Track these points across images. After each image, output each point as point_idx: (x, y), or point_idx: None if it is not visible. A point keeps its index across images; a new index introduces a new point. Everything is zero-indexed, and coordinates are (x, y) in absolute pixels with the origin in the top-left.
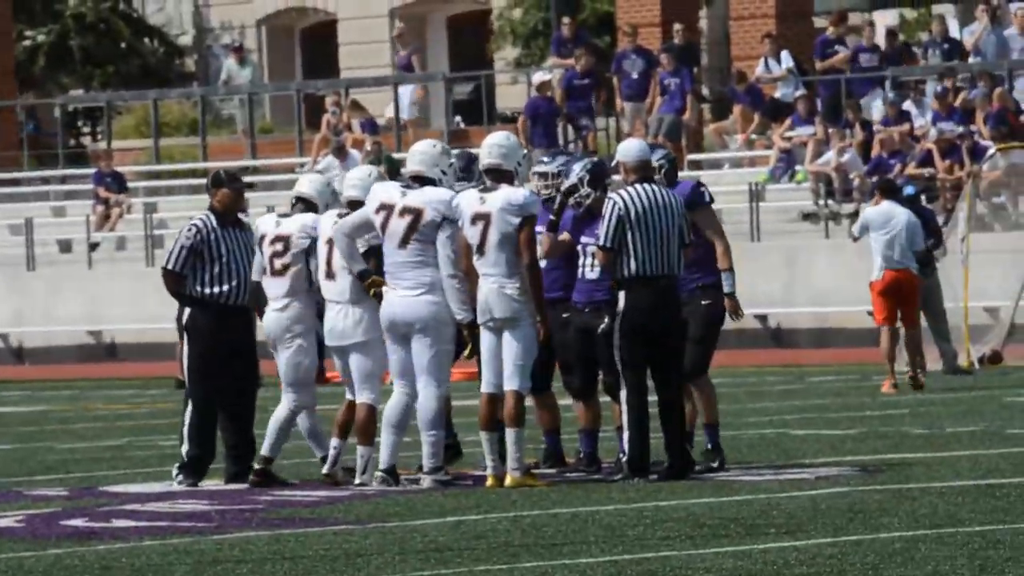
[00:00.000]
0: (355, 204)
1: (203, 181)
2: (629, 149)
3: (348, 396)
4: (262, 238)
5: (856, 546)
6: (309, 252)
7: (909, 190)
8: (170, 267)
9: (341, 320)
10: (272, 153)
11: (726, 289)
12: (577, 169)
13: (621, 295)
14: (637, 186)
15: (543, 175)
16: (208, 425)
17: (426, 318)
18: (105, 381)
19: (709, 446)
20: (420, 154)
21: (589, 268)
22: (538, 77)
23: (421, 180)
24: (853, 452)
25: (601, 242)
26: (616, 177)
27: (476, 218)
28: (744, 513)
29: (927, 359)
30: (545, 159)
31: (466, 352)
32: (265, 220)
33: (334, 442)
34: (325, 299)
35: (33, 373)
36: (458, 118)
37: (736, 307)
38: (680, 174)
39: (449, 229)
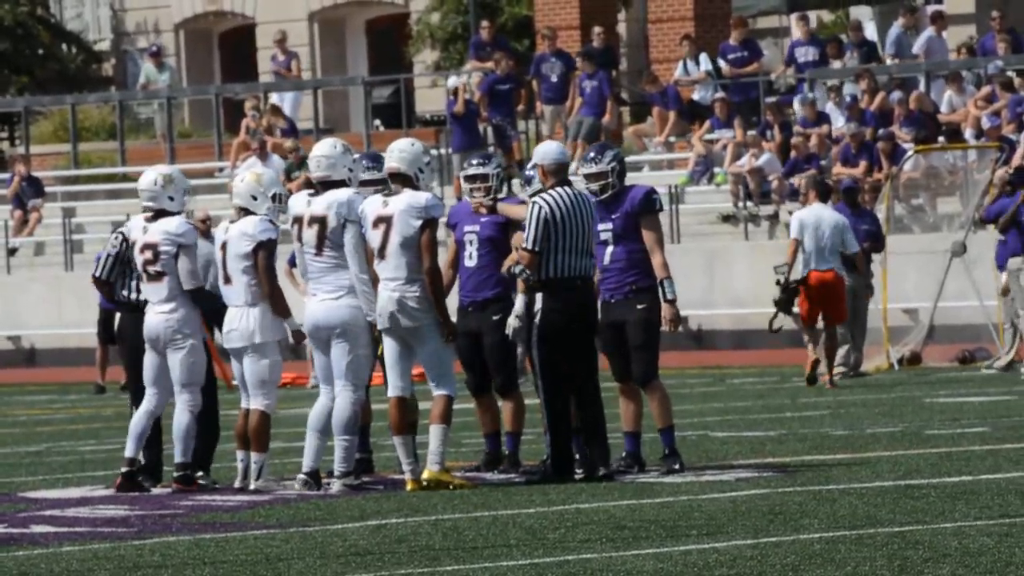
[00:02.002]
0: (241, 210)
1: (122, 186)
2: (548, 152)
3: (243, 404)
4: (132, 243)
5: (776, 547)
6: (178, 257)
7: (846, 182)
8: (98, 275)
9: (238, 322)
10: (191, 157)
11: (668, 296)
12: (609, 158)
13: (538, 297)
14: (558, 189)
15: (479, 177)
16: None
17: (345, 322)
18: (24, 387)
19: (666, 451)
20: (322, 158)
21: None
22: (451, 82)
23: (326, 184)
24: (773, 453)
25: (527, 244)
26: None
27: (378, 221)
28: (664, 515)
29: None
30: (475, 161)
31: (380, 350)
32: (133, 225)
33: (239, 454)
34: (226, 302)
35: None
36: (377, 121)
37: (676, 316)
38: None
39: (352, 229)
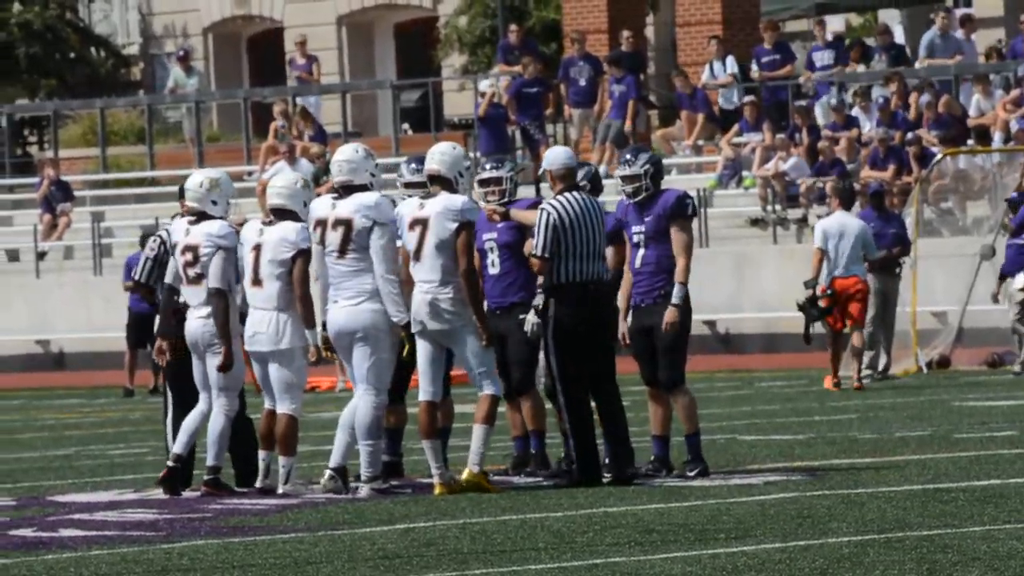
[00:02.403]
0: (279, 212)
1: (150, 190)
2: (555, 158)
3: (267, 405)
4: (174, 246)
5: (805, 551)
6: (214, 257)
7: (872, 186)
8: (137, 278)
9: (265, 326)
10: (219, 161)
11: (673, 300)
12: (643, 161)
13: (551, 302)
14: (566, 194)
15: (493, 180)
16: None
17: (366, 326)
18: (53, 391)
19: (689, 456)
20: (344, 162)
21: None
22: (483, 86)
23: (348, 188)
24: (802, 457)
25: (537, 251)
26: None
27: (414, 223)
28: (693, 519)
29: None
30: (488, 165)
31: (404, 352)
32: (176, 227)
33: (262, 455)
34: (250, 305)
35: None
36: (405, 125)
37: (674, 320)
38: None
39: (380, 231)
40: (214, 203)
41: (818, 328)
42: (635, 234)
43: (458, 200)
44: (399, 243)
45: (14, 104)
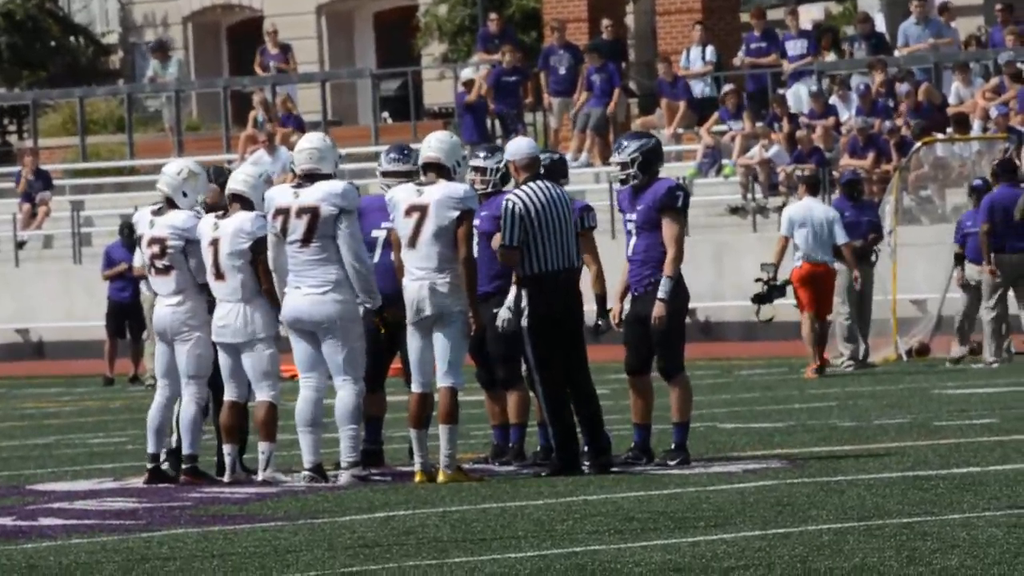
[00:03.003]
0: (239, 199)
1: (130, 179)
2: (519, 148)
3: (227, 396)
4: (139, 237)
5: (784, 539)
6: (186, 251)
7: (846, 175)
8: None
9: (233, 318)
10: (199, 150)
11: (660, 294)
12: (631, 148)
13: (523, 293)
14: (531, 184)
15: (479, 170)
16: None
17: (333, 318)
18: (33, 379)
19: (673, 445)
20: (312, 150)
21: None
22: (465, 74)
23: (312, 177)
24: (781, 445)
25: (506, 241)
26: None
27: (411, 210)
28: (673, 507)
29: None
30: (481, 153)
31: (382, 333)
32: (140, 218)
33: (226, 448)
34: (216, 298)
35: None
36: (385, 114)
37: (661, 315)
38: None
39: (347, 220)
40: (184, 194)
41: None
42: (628, 222)
43: (460, 188)
44: (389, 226)
45: None
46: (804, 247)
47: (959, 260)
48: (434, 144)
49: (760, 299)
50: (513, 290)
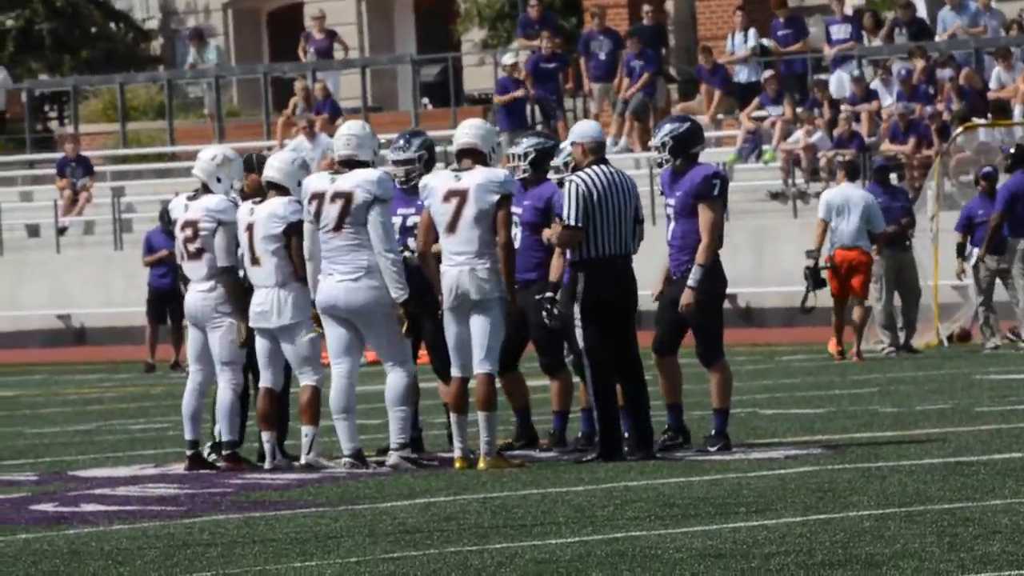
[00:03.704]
0: (274, 186)
1: (170, 165)
2: (585, 131)
3: (263, 384)
4: (174, 222)
5: (825, 524)
6: (216, 233)
7: (878, 161)
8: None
9: (269, 303)
10: (240, 136)
11: (690, 282)
12: (663, 132)
13: (580, 277)
14: (596, 167)
15: (510, 156)
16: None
17: (370, 305)
18: (74, 365)
19: (714, 431)
20: (351, 136)
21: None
22: (506, 59)
23: (350, 163)
24: (822, 431)
25: (569, 221)
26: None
27: (450, 195)
28: (713, 493)
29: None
30: (516, 140)
31: (404, 328)
32: (175, 204)
33: (265, 436)
34: (253, 283)
35: (2, 358)
36: (426, 100)
37: (689, 303)
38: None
39: (379, 208)
40: (218, 180)
41: (821, 299)
42: (668, 207)
43: (500, 173)
44: (404, 212)
45: (35, 80)
46: (841, 232)
47: (961, 251)
48: (470, 131)
49: (811, 287)
50: (550, 277)
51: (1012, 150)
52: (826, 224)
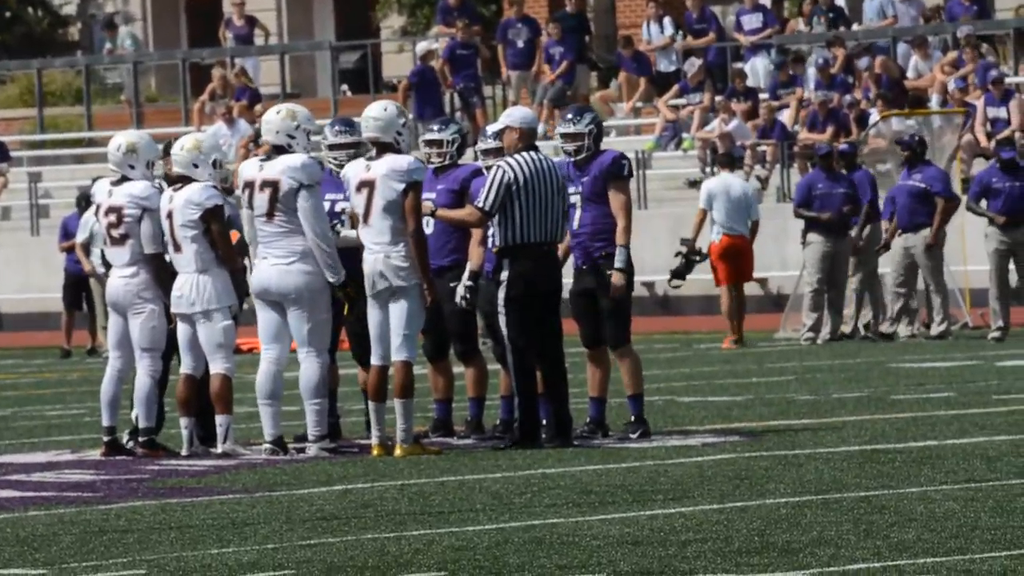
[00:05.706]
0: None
1: (88, 151)
2: (523, 116)
3: (183, 370)
4: (97, 207)
5: (742, 512)
6: (141, 220)
7: (844, 148)
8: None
9: (188, 289)
10: (158, 122)
11: (616, 264)
12: (587, 120)
13: (505, 263)
14: (525, 154)
15: (435, 143)
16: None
17: (300, 288)
18: None
19: (632, 417)
20: (270, 123)
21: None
22: (423, 46)
23: (278, 149)
24: (739, 419)
25: (481, 203)
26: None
27: (361, 185)
28: (631, 480)
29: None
30: (435, 127)
31: (346, 312)
32: (98, 188)
33: (183, 421)
34: (177, 269)
35: None
36: (345, 87)
37: (620, 284)
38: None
39: (307, 194)
40: (131, 167)
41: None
42: (573, 195)
43: (404, 161)
44: (347, 205)
45: None
46: (721, 220)
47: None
48: (371, 123)
49: (678, 274)
50: (468, 268)
51: (906, 151)
52: (705, 213)
